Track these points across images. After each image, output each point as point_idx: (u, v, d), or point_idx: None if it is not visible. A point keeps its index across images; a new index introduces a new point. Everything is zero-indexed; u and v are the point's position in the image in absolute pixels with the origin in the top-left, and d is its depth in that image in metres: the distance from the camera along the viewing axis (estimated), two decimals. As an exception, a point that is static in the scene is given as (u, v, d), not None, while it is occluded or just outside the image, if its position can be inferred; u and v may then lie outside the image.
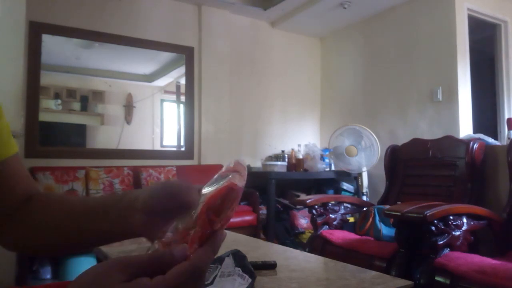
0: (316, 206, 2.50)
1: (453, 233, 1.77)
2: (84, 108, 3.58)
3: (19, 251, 0.61)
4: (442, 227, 1.75)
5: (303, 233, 3.63)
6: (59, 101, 3.41)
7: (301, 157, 3.95)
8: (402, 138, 3.35)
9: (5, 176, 0.53)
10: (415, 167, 2.67)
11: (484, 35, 3.87)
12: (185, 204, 0.39)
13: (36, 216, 0.52)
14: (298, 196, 3.66)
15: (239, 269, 0.94)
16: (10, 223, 0.52)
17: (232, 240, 1.60)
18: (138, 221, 0.43)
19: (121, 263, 0.32)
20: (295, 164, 3.91)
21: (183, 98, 3.94)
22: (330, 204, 2.55)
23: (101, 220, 0.47)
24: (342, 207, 2.61)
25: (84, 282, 0.31)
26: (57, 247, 0.53)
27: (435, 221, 1.72)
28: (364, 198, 3.54)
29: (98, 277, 0.31)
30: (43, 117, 3.25)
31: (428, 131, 3.45)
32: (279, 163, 3.82)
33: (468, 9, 3.42)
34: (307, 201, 2.49)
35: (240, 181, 0.38)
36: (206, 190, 0.39)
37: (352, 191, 3.99)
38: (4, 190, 0.53)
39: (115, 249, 1.56)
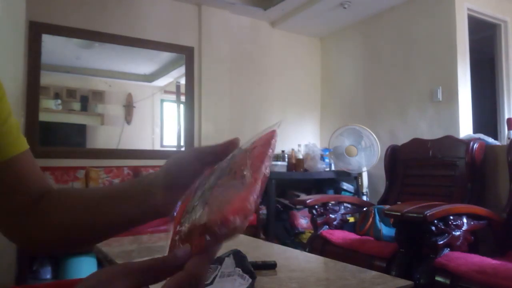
0: (316, 206, 2.50)
1: (453, 233, 1.77)
2: (84, 108, 3.58)
3: (32, 248, 0.60)
4: (442, 227, 1.75)
5: (303, 233, 3.63)
6: (59, 101, 3.41)
7: (301, 157, 3.95)
8: (402, 138, 3.35)
9: (16, 173, 0.52)
10: (415, 167, 2.67)
11: (484, 35, 3.86)
12: (198, 173, 0.42)
13: (52, 214, 0.52)
14: (298, 196, 3.66)
15: (239, 269, 0.94)
16: (24, 221, 0.52)
17: (232, 240, 1.59)
18: (160, 200, 0.45)
19: (125, 269, 0.32)
20: (295, 164, 3.91)
21: (183, 98, 3.94)
22: (330, 204, 2.55)
23: (121, 205, 0.48)
24: (342, 207, 2.61)
25: (88, 286, 0.31)
26: (73, 242, 0.52)
27: (435, 221, 1.73)
28: (364, 198, 3.54)
29: (102, 283, 0.31)
30: (43, 117, 3.25)
31: (428, 131, 3.45)
32: (279, 163, 3.82)
33: (468, 9, 3.42)
34: (307, 201, 2.49)
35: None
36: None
37: (352, 191, 3.99)
38: (16, 187, 0.52)
39: (115, 249, 1.57)
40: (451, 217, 1.78)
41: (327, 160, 4.02)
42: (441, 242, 1.73)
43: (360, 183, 3.65)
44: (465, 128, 3.28)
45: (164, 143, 4.01)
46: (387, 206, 2.08)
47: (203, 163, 0.44)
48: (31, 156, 0.56)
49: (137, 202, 0.47)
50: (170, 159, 0.46)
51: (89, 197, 0.52)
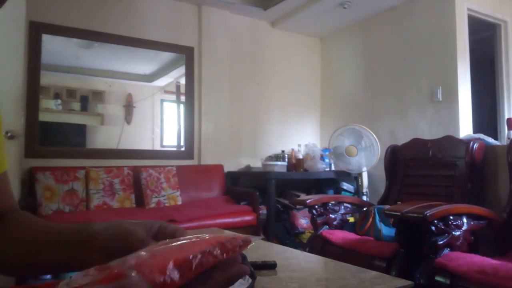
0: (316, 206, 2.50)
1: (453, 233, 1.77)
2: (84, 108, 3.58)
3: None
4: (442, 227, 1.75)
5: (303, 233, 3.63)
6: (59, 101, 3.41)
7: (301, 157, 3.95)
8: (402, 138, 3.35)
9: None
10: (415, 167, 2.67)
11: (484, 35, 3.86)
12: (134, 249, 0.41)
13: (5, 232, 0.51)
14: (298, 196, 3.65)
15: (239, 269, 0.94)
16: None
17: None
18: (96, 259, 0.44)
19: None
20: (295, 164, 3.90)
21: (183, 98, 3.94)
22: (330, 204, 2.55)
23: (60, 250, 0.48)
24: (342, 207, 2.61)
25: None
26: (21, 266, 0.51)
27: (435, 221, 1.73)
28: (364, 198, 3.54)
29: None
30: (43, 117, 3.25)
31: (428, 131, 3.45)
32: (279, 163, 3.82)
33: (468, 9, 3.42)
34: (307, 201, 2.49)
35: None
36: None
37: (352, 191, 3.99)
38: None
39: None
40: (451, 217, 1.78)
41: (327, 160, 4.01)
42: (441, 242, 1.73)
43: (360, 183, 3.65)
44: (465, 128, 3.28)
45: (164, 143, 4.01)
46: (387, 206, 2.08)
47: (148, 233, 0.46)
48: (7, 178, 0.56)
49: (75, 252, 0.47)
50: (113, 227, 0.46)
51: (41, 230, 0.50)
